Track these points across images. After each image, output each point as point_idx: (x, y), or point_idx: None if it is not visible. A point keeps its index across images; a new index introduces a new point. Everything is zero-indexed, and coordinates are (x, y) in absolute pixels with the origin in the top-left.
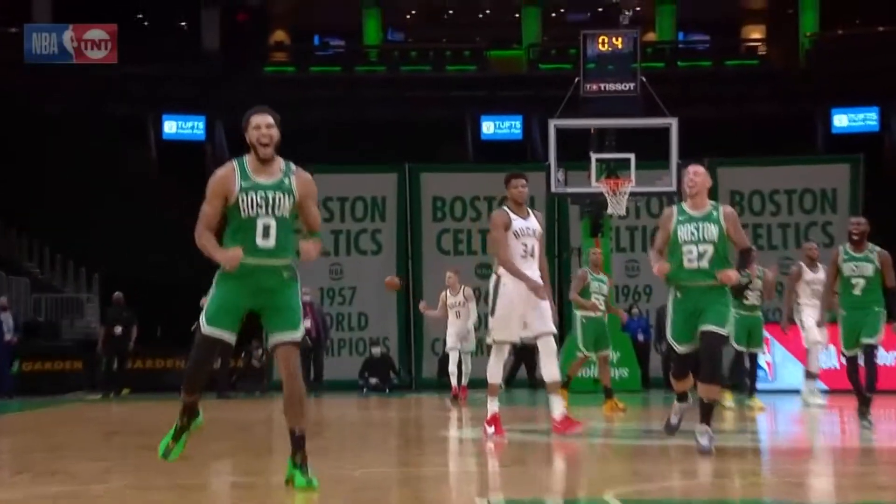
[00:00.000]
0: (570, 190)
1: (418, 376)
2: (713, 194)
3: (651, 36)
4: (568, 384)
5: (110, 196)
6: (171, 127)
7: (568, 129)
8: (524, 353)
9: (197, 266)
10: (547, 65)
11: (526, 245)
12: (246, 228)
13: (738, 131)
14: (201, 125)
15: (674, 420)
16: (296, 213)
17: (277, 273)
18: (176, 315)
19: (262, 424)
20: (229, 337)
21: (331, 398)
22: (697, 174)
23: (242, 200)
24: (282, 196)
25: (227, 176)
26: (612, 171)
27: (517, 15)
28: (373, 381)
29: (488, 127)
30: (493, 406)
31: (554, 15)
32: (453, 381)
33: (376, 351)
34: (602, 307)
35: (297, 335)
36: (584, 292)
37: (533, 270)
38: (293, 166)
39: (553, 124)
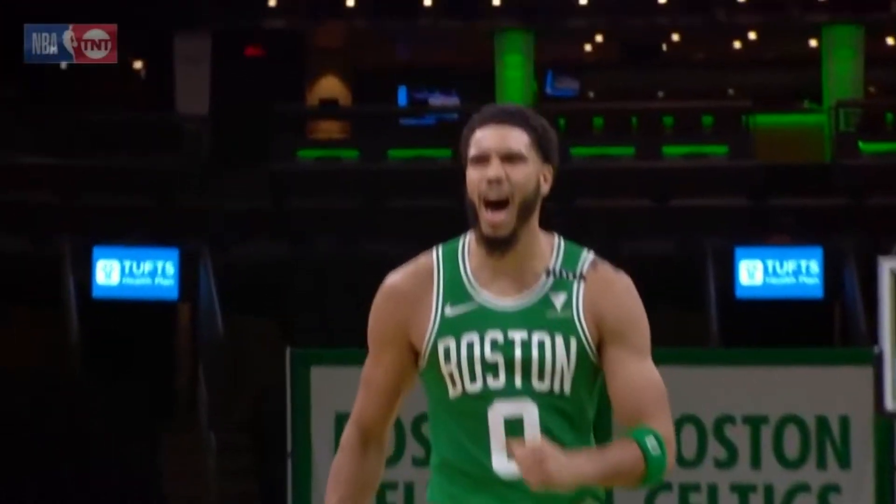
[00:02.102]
0: None
1: None
2: None
3: None
4: None
5: None
6: (107, 273)
7: None
8: None
9: None
10: (873, 144)
11: None
12: (462, 425)
13: None
14: (171, 268)
15: None
16: (592, 380)
17: None
18: None
19: None
20: None
21: None
22: None
23: (447, 353)
24: (548, 339)
25: (408, 288)
26: None
27: (813, 42)
28: None
29: (751, 271)
30: None
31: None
32: None
33: None
34: None
35: None
36: None
37: None
38: (587, 257)
39: (888, 268)
